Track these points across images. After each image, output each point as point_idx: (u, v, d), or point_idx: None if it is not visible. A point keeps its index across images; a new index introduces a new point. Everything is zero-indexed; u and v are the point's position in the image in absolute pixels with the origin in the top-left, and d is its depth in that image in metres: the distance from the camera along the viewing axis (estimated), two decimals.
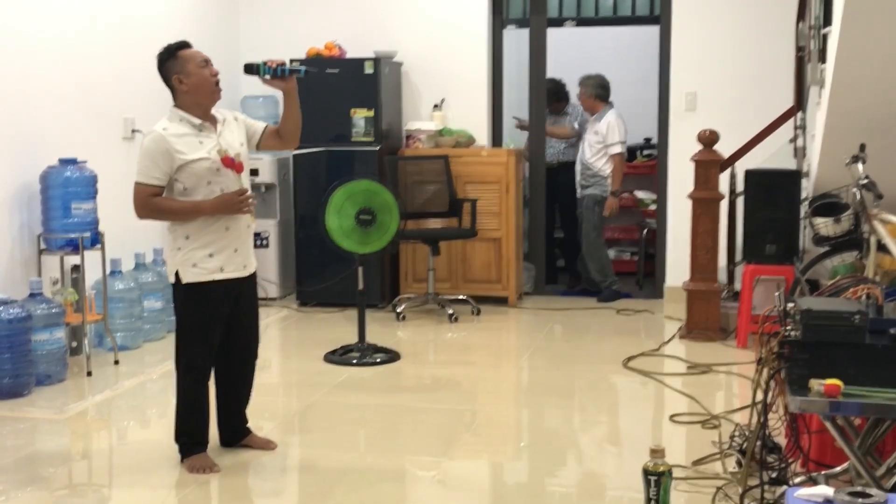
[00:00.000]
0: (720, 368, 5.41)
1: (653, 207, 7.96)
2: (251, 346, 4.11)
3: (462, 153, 7.11)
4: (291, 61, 3.91)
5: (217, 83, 3.87)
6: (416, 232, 6.80)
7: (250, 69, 3.93)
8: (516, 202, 7.10)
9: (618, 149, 7.14)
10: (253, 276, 4.04)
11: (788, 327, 3.01)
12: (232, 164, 3.87)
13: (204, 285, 3.84)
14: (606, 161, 7.17)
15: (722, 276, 6.40)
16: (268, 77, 3.91)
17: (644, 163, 8.69)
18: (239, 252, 3.92)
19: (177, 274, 3.85)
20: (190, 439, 3.97)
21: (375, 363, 5.55)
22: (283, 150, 4.09)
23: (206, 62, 3.86)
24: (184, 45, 3.87)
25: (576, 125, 7.95)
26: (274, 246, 7.26)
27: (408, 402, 4.96)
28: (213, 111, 3.92)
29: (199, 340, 3.90)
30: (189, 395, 3.94)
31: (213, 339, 3.92)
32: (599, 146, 7.16)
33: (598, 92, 7.29)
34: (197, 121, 3.83)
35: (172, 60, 3.82)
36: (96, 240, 5.42)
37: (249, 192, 3.92)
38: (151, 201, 3.79)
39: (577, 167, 7.40)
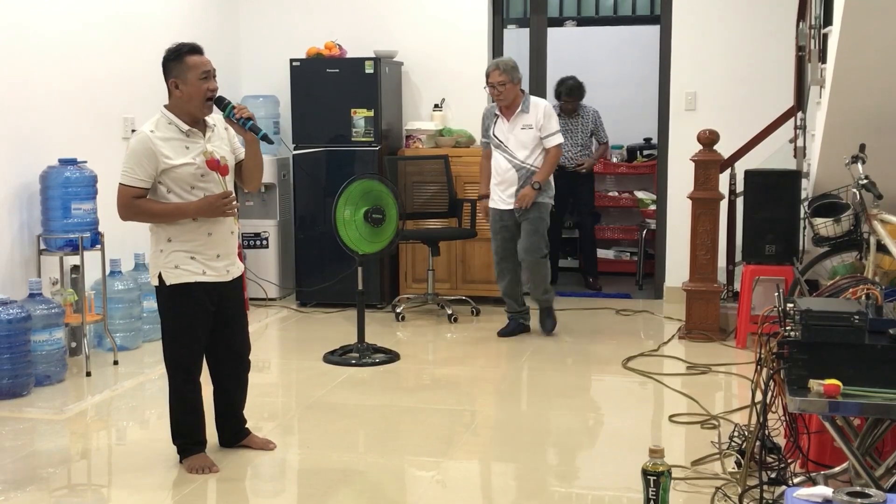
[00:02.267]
0: (719, 369, 5.41)
1: (652, 207, 7.96)
2: (241, 349, 4.11)
3: (462, 153, 7.11)
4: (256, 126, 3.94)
5: (211, 99, 3.85)
6: (415, 232, 6.79)
7: (220, 102, 3.92)
8: None
9: (559, 138, 6.01)
10: (238, 280, 4.04)
11: (788, 328, 3.01)
12: (217, 166, 3.87)
13: (187, 287, 3.85)
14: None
15: (721, 276, 6.39)
16: (232, 119, 3.91)
17: (644, 163, 8.69)
18: (221, 258, 3.92)
19: (160, 276, 3.86)
20: (187, 439, 3.98)
21: (375, 363, 5.55)
22: (244, 188, 4.15)
23: (208, 75, 3.82)
24: (194, 49, 3.84)
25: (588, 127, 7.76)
26: (273, 246, 7.26)
27: (407, 403, 4.96)
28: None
29: (185, 341, 3.91)
30: (180, 394, 3.95)
31: (199, 338, 3.93)
32: (536, 141, 5.96)
33: (520, 77, 6.03)
34: (185, 127, 3.82)
35: (177, 63, 3.80)
36: (96, 240, 5.43)
37: (233, 195, 3.93)
38: (135, 203, 3.78)
39: (509, 175, 6.02)
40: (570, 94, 7.72)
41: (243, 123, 3.90)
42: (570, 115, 7.78)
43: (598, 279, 7.93)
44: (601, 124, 7.85)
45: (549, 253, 6.17)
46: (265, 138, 3.99)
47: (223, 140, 3.96)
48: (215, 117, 3.96)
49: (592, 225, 8.07)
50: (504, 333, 6.25)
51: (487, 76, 5.98)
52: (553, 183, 6.17)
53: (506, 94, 5.92)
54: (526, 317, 6.31)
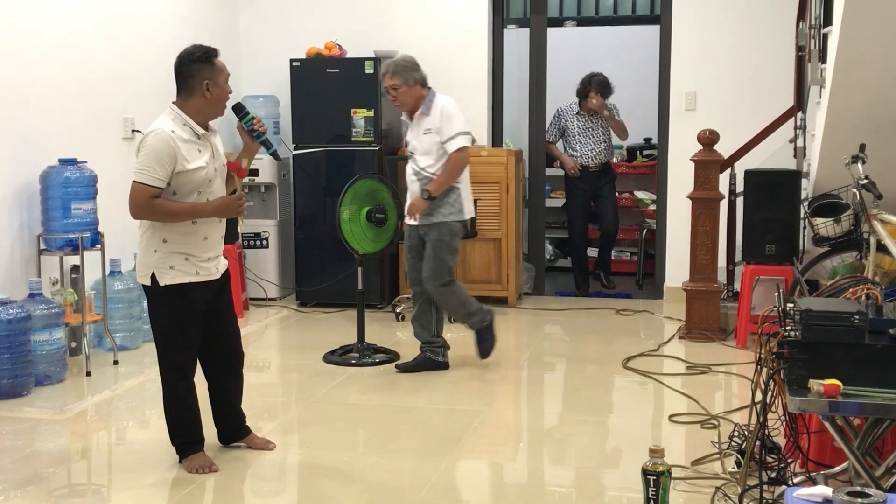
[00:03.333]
0: (719, 369, 5.41)
1: (653, 207, 7.96)
2: (234, 342, 4.12)
3: None
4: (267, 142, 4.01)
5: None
6: None
7: (238, 109, 3.99)
8: (516, 202, 7.09)
9: (461, 141, 5.16)
10: (225, 275, 4.05)
11: (788, 328, 3.01)
12: (237, 168, 3.93)
13: (181, 287, 3.85)
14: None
15: (721, 276, 6.39)
16: (244, 128, 3.97)
17: (644, 163, 8.70)
18: (211, 260, 3.95)
19: (153, 276, 3.84)
20: (186, 439, 3.98)
21: (375, 363, 5.55)
22: None
23: (228, 78, 3.90)
24: (217, 53, 3.87)
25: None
26: (273, 246, 7.26)
27: (407, 402, 4.95)
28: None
29: (179, 341, 3.91)
30: (176, 394, 3.95)
31: (192, 338, 3.93)
32: (439, 147, 5.20)
33: (420, 76, 5.28)
34: (200, 131, 3.83)
35: (207, 65, 3.81)
36: (96, 240, 5.42)
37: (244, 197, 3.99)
38: (152, 203, 3.75)
39: (414, 185, 5.29)
40: (599, 90, 7.51)
41: (257, 136, 3.93)
42: (593, 114, 7.60)
43: (611, 279, 7.94)
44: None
45: (451, 280, 5.31)
46: (275, 155, 4.03)
47: (220, 145, 3.99)
48: (217, 121, 3.97)
49: (616, 229, 7.87)
50: (403, 368, 5.40)
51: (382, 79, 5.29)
52: (462, 198, 5.30)
53: (401, 97, 5.24)
54: (437, 351, 5.42)
